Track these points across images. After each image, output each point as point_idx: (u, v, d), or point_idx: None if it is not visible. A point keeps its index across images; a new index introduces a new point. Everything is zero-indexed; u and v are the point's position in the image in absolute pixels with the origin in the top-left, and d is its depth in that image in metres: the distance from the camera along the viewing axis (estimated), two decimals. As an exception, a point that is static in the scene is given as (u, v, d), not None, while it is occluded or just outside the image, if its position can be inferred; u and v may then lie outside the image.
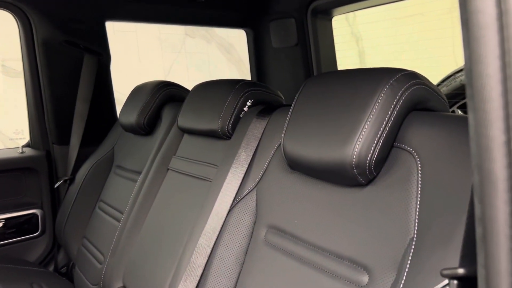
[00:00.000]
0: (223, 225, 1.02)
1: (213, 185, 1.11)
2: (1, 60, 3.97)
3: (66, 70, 1.89)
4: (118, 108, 1.93)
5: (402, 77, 0.77)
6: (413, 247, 0.66)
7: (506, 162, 0.36)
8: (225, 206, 1.03)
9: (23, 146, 1.91)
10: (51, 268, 1.87)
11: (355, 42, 4.94)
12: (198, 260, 1.01)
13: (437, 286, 0.55)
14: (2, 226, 1.79)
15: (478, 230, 0.39)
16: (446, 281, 0.52)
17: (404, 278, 0.64)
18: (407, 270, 0.65)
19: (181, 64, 4.58)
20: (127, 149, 1.71)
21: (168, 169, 1.38)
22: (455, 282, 0.50)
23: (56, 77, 1.87)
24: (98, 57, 1.93)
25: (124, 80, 2.07)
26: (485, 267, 0.38)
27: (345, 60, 4.81)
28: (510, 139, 0.35)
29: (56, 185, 1.87)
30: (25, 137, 1.99)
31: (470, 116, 0.38)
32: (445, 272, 0.51)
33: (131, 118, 1.60)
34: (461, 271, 0.49)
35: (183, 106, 1.37)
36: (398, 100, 0.76)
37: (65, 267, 1.85)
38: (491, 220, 0.37)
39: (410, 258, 0.66)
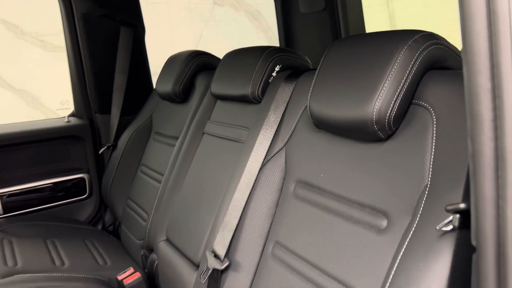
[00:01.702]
0: (255, 181, 1.11)
1: (245, 146, 1.20)
2: (41, 36, 4.15)
3: (104, 43, 2.00)
4: (154, 78, 2.03)
5: (420, 38, 0.82)
6: (426, 192, 0.73)
7: (491, 106, 0.43)
8: (257, 164, 1.12)
9: (68, 116, 2.06)
10: (99, 226, 2.05)
11: (386, 5, 4.83)
12: (233, 212, 1.11)
13: (444, 221, 0.62)
14: (53, 189, 1.96)
15: (470, 165, 0.46)
16: (451, 217, 0.60)
17: (418, 219, 0.72)
18: (420, 212, 0.72)
19: (211, 34, 4.63)
20: (164, 117, 1.82)
21: (203, 133, 1.48)
22: (458, 216, 0.58)
23: (95, 50, 1.98)
24: (133, 29, 2.03)
25: (158, 52, 2.16)
26: (474, 195, 0.45)
27: (374, 23, 4.73)
28: (495, 86, 0.42)
29: (100, 151, 2.02)
30: (70, 107, 2.14)
31: (464, 67, 0.45)
32: (449, 207, 0.59)
33: (167, 87, 1.71)
34: (462, 205, 0.56)
35: (215, 73, 1.46)
36: (416, 60, 0.81)
37: (112, 226, 2.02)
38: (479, 154, 0.44)
39: (423, 202, 0.73)
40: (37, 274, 1.38)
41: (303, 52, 1.61)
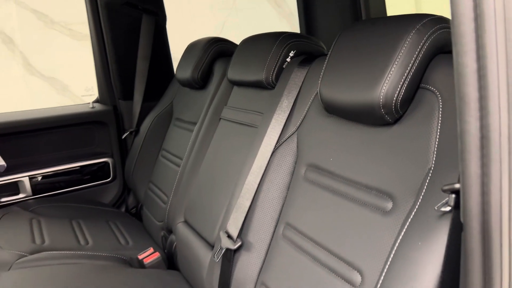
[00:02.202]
0: (267, 164, 1.14)
1: (258, 130, 1.23)
2: (69, 24, 4.25)
3: (127, 31, 2.05)
4: (175, 66, 2.07)
5: (429, 22, 0.83)
6: (430, 175, 0.74)
7: (477, 86, 0.44)
8: (269, 148, 1.15)
9: (93, 102, 2.13)
10: (123, 209, 2.12)
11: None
12: (246, 195, 1.14)
13: (441, 202, 0.63)
14: (79, 173, 2.04)
15: (458, 144, 0.47)
16: (448, 197, 0.61)
17: (420, 201, 0.73)
18: (422, 194, 0.73)
19: (233, 21, 4.64)
20: (184, 103, 1.86)
21: (220, 118, 1.51)
22: (453, 196, 0.59)
23: (118, 38, 2.04)
24: (155, 17, 2.07)
25: (181, 40, 2.19)
26: (462, 173, 0.47)
27: (398, 8, 4.62)
28: (481, 66, 0.43)
29: (123, 136, 2.08)
30: (95, 94, 2.21)
31: (453, 49, 0.46)
32: (445, 187, 0.60)
33: (186, 73, 1.74)
34: (457, 185, 0.57)
35: (231, 60, 1.48)
36: (423, 44, 0.81)
37: (134, 208, 2.09)
38: (466, 133, 0.45)
39: (426, 184, 0.74)
40: (63, 252, 1.46)
41: (324, 37, 1.61)
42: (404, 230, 0.73)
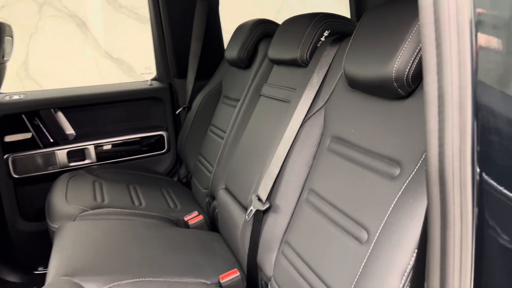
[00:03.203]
0: (296, 136, 1.24)
1: (290, 105, 1.33)
2: (135, 8, 4.53)
3: (183, 14, 2.21)
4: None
5: (443, 1, 0.88)
6: (430, 142, 0.81)
7: (435, 52, 0.51)
8: (298, 121, 1.25)
9: (151, 80, 2.32)
10: (175, 178, 2.32)
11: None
12: (276, 162, 1.25)
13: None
14: (137, 144, 2.26)
15: (424, 105, 0.55)
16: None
17: (419, 164, 0.80)
18: (422, 158, 0.81)
19: (290, 6, 4.69)
20: (231, 81, 2.00)
21: (260, 95, 1.62)
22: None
23: (174, 21, 2.20)
24: (208, 1, 2.20)
25: (237, 22, 2.31)
26: (425, 129, 0.55)
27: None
28: (437, 36, 0.51)
29: (177, 112, 2.26)
30: (153, 72, 2.40)
31: (420, 21, 0.54)
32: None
33: (233, 53, 1.87)
34: (435, 146, 0.64)
35: (272, 39, 1.58)
36: (436, 22, 0.87)
37: (185, 178, 2.27)
38: (427, 94, 0.53)
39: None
40: (119, 209, 1.66)
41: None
42: (401, 190, 0.81)
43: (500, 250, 0.53)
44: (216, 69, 2.19)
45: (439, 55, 0.51)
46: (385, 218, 0.82)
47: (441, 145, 0.53)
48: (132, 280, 1.17)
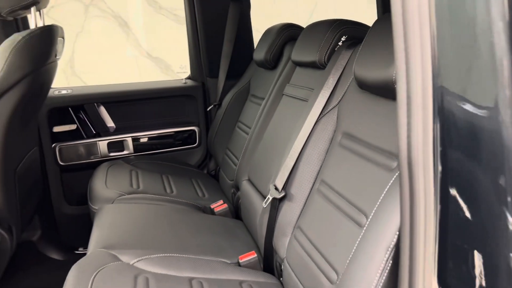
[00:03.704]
0: (311, 132, 1.36)
1: (308, 103, 1.45)
2: (174, 10, 4.74)
3: (216, 16, 2.36)
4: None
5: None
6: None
7: (405, 53, 0.63)
8: (314, 118, 1.37)
9: (185, 78, 2.49)
10: (205, 171, 2.48)
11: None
12: (292, 155, 1.38)
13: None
14: (171, 137, 2.43)
15: (396, 101, 0.67)
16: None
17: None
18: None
19: (323, 8, 4.78)
20: (258, 81, 2.13)
21: (283, 94, 1.75)
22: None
23: (208, 23, 2.36)
24: (240, 5, 2.35)
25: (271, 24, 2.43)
26: (397, 123, 0.66)
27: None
28: (405, 33, 0.62)
29: (208, 109, 2.42)
30: (187, 72, 2.57)
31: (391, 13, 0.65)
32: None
33: (261, 55, 2.00)
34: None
35: (296, 43, 1.70)
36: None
37: (213, 170, 2.43)
38: (398, 93, 0.65)
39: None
40: (152, 195, 1.83)
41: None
42: (393, 179, 0.92)
43: (457, 219, 0.64)
44: (246, 70, 2.33)
45: (407, 63, 0.62)
46: (377, 204, 0.93)
47: (409, 136, 0.64)
48: (160, 254, 1.33)
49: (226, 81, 2.37)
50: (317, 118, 1.36)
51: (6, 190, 1.63)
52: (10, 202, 1.65)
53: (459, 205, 0.63)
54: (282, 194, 1.35)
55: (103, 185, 1.90)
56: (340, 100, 1.33)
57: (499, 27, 0.56)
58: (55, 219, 2.30)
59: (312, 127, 1.36)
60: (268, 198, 1.40)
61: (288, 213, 1.34)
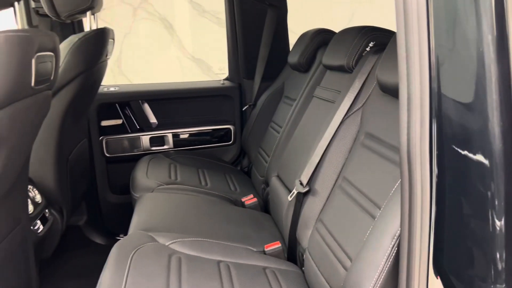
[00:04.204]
0: (336, 131, 1.45)
1: (334, 105, 1.53)
2: (217, 13, 4.91)
3: (254, 21, 2.48)
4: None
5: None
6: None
7: (406, 60, 0.72)
8: (339, 119, 1.45)
9: (223, 79, 2.63)
10: (238, 167, 2.60)
11: None
12: (318, 153, 1.47)
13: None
14: (208, 135, 2.57)
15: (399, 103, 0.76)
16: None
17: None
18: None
19: (363, 14, 4.80)
20: (292, 83, 2.23)
21: (313, 96, 1.84)
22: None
23: (247, 27, 2.49)
24: (277, 10, 2.46)
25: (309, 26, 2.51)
26: (399, 120, 0.75)
27: None
28: (407, 48, 0.71)
29: (243, 109, 2.55)
30: (225, 73, 2.71)
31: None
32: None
33: (295, 59, 2.10)
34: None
35: (327, 47, 1.79)
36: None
37: (246, 167, 2.55)
38: (400, 96, 0.74)
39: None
40: (188, 186, 1.97)
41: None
42: (403, 175, 0.99)
43: (451, 209, 0.71)
44: (280, 72, 2.44)
45: (408, 68, 0.71)
46: (389, 196, 1.01)
47: (408, 133, 0.73)
48: (193, 238, 1.45)
49: (261, 83, 2.48)
50: (342, 119, 1.45)
51: (59, 176, 1.81)
52: (62, 187, 1.83)
53: (453, 196, 0.71)
54: (306, 189, 1.45)
55: (144, 175, 2.05)
56: (365, 102, 1.41)
57: (488, 39, 0.64)
58: (100, 206, 2.49)
59: (337, 127, 1.45)
60: (293, 192, 1.49)
61: (311, 207, 1.43)
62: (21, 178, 1.27)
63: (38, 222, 1.62)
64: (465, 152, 0.69)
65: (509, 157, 0.65)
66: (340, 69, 1.65)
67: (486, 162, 0.67)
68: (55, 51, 1.13)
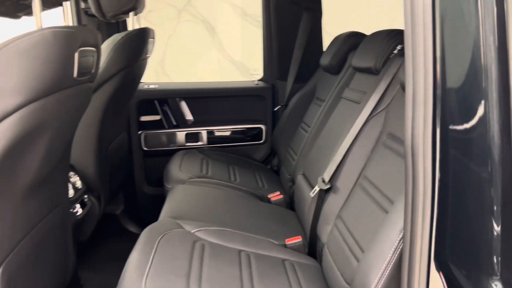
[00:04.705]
0: (359, 131, 1.48)
1: (360, 106, 1.57)
2: (258, 17, 4.99)
3: (289, 24, 2.54)
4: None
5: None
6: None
7: (411, 59, 0.76)
8: (363, 119, 1.49)
9: (258, 80, 2.71)
10: (268, 166, 2.66)
11: None
12: (341, 152, 1.51)
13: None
14: (240, 133, 2.66)
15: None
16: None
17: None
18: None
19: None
20: (323, 85, 2.27)
21: (341, 97, 1.88)
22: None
23: (282, 30, 2.55)
24: (312, 14, 2.51)
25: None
26: (405, 116, 0.79)
27: None
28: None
29: (275, 109, 2.61)
30: (259, 74, 2.79)
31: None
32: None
33: (327, 60, 2.15)
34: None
35: (357, 50, 1.83)
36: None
37: (276, 166, 2.61)
38: (406, 95, 0.78)
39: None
40: (218, 181, 2.06)
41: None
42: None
43: (451, 195, 0.75)
44: (313, 74, 2.48)
45: (413, 66, 0.75)
46: (402, 192, 1.04)
47: (413, 128, 0.77)
48: (217, 228, 1.53)
49: (294, 84, 2.54)
50: (366, 119, 1.48)
51: (99, 165, 1.94)
52: (101, 175, 1.97)
53: (454, 189, 0.74)
54: (328, 186, 1.49)
55: (178, 169, 2.16)
56: (389, 104, 1.44)
57: (490, 40, 0.68)
58: (136, 197, 2.62)
59: (360, 127, 1.48)
60: (315, 189, 1.54)
61: (332, 204, 1.48)
62: (62, 163, 1.39)
63: (77, 205, 1.75)
64: (466, 147, 0.72)
65: (505, 152, 0.68)
66: (367, 71, 1.68)
67: (485, 156, 0.70)
68: (97, 47, 1.24)
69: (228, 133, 2.65)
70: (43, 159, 1.14)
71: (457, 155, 0.73)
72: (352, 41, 2.07)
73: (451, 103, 0.73)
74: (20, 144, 0.99)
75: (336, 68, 2.10)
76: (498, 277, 0.71)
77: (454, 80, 0.72)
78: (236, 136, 2.66)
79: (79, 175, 1.83)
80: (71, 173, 1.78)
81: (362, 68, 1.73)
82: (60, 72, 1.01)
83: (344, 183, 1.47)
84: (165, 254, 1.30)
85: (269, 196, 2.02)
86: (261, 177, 2.28)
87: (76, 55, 1.07)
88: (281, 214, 1.84)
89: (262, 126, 2.66)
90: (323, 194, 1.53)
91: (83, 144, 1.86)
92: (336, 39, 2.20)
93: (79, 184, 1.81)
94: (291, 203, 2.05)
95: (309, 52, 2.54)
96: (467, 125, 0.71)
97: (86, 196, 1.85)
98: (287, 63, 2.57)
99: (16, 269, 1.15)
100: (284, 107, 2.58)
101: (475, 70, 0.70)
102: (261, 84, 2.69)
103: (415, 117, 0.76)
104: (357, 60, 1.79)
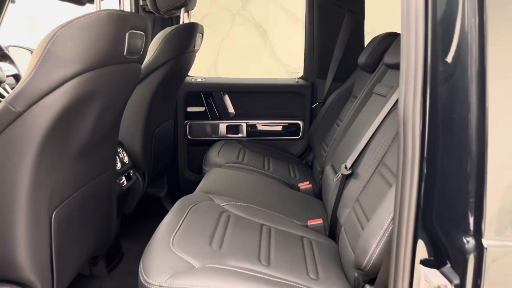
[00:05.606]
0: (382, 121, 1.56)
1: (385, 99, 1.65)
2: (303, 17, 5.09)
3: (331, 25, 2.65)
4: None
5: None
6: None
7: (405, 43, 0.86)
8: (386, 111, 1.57)
9: (298, 78, 2.83)
10: (304, 161, 2.77)
11: None
12: (363, 141, 1.60)
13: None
14: (280, 128, 2.78)
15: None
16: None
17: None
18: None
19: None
20: (359, 83, 2.35)
21: (372, 93, 1.96)
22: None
23: (324, 31, 2.66)
24: (355, 15, 2.59)
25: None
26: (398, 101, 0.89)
27: None
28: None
29: (313, 106, 2.71)
30: (300, 72, 2.91)
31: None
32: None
33: (363, 59, 2.23)
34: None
35: (389, 48, 1.91)
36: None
37: (311, 161, 2.70)
38: (401, 87, 0.88)
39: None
40: (252, 167, 2.19)
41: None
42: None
43: (438, 158, 0.83)
44: (351, 73, 2.57)
45: (407, 47, 0.85)
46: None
47: (405, 100, 0.86)
48: (243, 204, 1.66)
49: (332, 82, 2.63)
50: (389, 111, 1.56)
51: (145, 145, 2.15)
52: (146, 154, 2.17)
53: (440, 152, 0.83)
54: (349, 172, 1.58)
55: (216, 155, 2.32)
56: (411, 96, 1.51)
57: (471, 22, 0.77)
58: (178, 182, 2.82)
59: (383, 118, 1.56)
60: (338, 174, 1.64)
61: (352, 188, 1.57)
62: (111, 135, 1.58)
63: (123, 178, 1.95)
64: (449, 113, 0.81)
65: (481, 116, 0.76)
66: (397, 67, 1.76)
67: (463, 127, 0.78)
68: (146, 31, 1.42)
69: (267, 127, 2.79)
70: (93, 126, 1.32)
71: (442, 122, 0.82)
72: (388, 40, 2.14)
73: (438, 78, 0.82)
74: (75, 108, 1.18)
75: (371, 67, 2.18)
76: (471, 234, 0.78)
77: (440, 56, 0.81)
78: (274, 130, 2.79)
79: (126, 152, 2.04)
80: (120, 149, 1.98)
81: (393, 64, 1.80)
82: (112, 48, 1.19)
83: (364, 169, 1.55)
84: (193, 219, 1.45)
85: (299, 184, 2.13)
86: (294, 169, 2.39)
87: (127, 35, 1.25)
88: (308, 200, 1.94)
89: (300, 122, 2.77)
90: (344, 180, 1.62)
91: (131, 125, 2.07)
92: (374, 39, 2.27)
93: (126, 159, 2.01)
94: (320, 193, 2.14)
95: (350, 52, 2.62)
96: (450, 95, 0.80)
97: (131, 171, 2.05)
98: (327, 62, 2.67)
99: (66, 217, 1.34)
100: (321, 104, 2.68)
101: (458, 48, 0.78)
102: (301, 81, 2.81)
103: (407, 91, 0.86)
104: (389, 57, 1.87)
